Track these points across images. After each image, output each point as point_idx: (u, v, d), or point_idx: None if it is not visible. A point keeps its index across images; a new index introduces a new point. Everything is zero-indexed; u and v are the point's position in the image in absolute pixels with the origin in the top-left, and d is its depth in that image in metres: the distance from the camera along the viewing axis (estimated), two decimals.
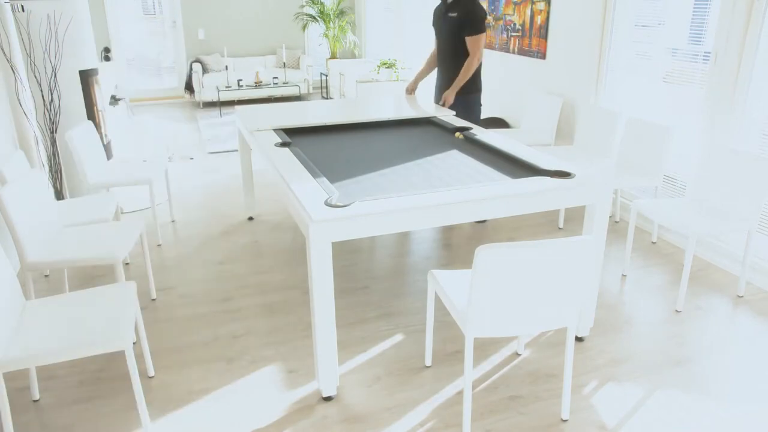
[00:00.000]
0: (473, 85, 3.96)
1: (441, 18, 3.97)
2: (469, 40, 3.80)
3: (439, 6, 4.05)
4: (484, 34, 3.80)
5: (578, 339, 2.74)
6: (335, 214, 2.11)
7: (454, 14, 3.82)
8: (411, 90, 4.38)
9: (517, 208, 2.37)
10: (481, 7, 3.80)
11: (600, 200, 2.46)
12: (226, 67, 8.51)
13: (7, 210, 2.43)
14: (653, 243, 3.82)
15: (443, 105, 3.95)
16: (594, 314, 2.73)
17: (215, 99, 8.31)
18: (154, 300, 3.15)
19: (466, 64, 3.83)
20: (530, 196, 2.35)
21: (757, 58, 3.19)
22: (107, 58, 7.92)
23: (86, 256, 2.60)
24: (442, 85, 4.09)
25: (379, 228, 2.19)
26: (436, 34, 4.08)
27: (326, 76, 8.98)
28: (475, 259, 1.88)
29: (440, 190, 2.36)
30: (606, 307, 3.06)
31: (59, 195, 4.02)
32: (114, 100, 6.17)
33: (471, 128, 3.43)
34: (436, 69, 4.23)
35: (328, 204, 2.19)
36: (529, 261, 1.91)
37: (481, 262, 1.88)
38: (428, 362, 2.59)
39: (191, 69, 8.41)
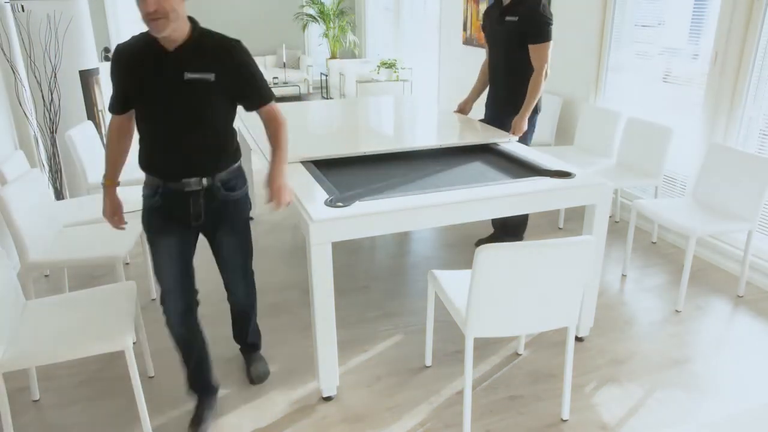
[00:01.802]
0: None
1: (495, 22, 3.32)
2: (533, 49, 3.17)
3: (491, 7, 3.39)
4: (550, 42, 3.17)
5: (578, 339, 2.74)
6: (335, 214, 2.11)
7: (514, 18, 3.19)
8: (463, 110, 3.66)
9: (517, 208, 2.37)
10: (547, 9, 3.19)
11: (600, 200, 2.46)
12: None
13: (8, 210, 2.43)
14: (653, 243, 3.82)
15: (513, 133, 3.24)
16: (594, 314, 2.72)
17: None
18: (154, 300, 3.15)
19: (532, 81, 3.20)
20: (530, 196, 2.35)
21: (756, 58, 3.19)
22: (107, 58, 7.91)
23: (86, 256, 2.60)
24: (494, 104, 3.48)
25: (379, 228, 2.18)
26: (488, 41, 3.44)
27: (326, 76, 8.99)
28: (475, 259, 1.88)
29: (441, 190, 2.36)
30: (606, 307, 3.06)
31: (59, 195, 4.02)
32: None
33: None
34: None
35: (328, 204, 2.19)
36: (529, 261, 1.91)
37: (481, 262, 1.88)
38: (428, 362, 2.59)
39: None
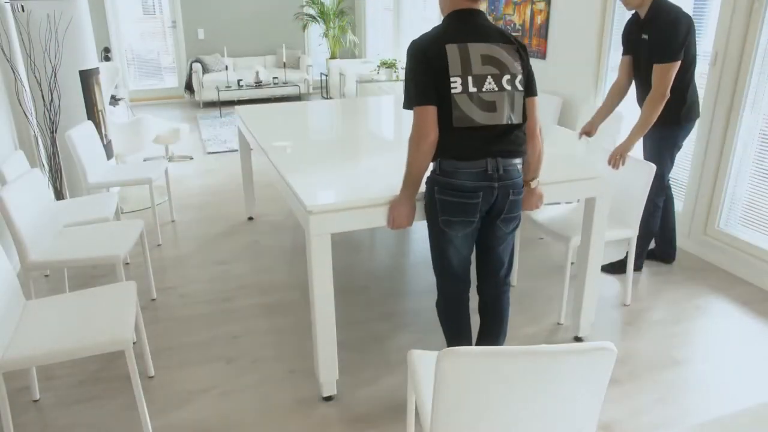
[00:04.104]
0: (672, 113, 2.98)
1: (635, 41, 3.03)
2: (655, 69, 2.85)
3: (632, 23, 3.07)
4: (675, 63, 2.80)
5: (578, 339, 2.75)
6: (334, 205, 2.10)
7: (646, 36, 2.91)
8: (589, 132, 3.34)
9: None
10: (681, 25, 2.79)
11: (599, 193, 2.46)
12: (226, 67, 8.52)
13: (8, 210, 2.43)
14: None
15: (613, 166, 2.97)
16: (594, 313, 2.72)
17: (215, 99, 8.32)
18: (154, 300, 3.15)
19: (645, 103, 2.90)
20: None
21: (756, 59, 3.19)
22: (107, 58, 7.91)
23: (86, 256, 2.60)
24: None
25: (378, 219, 2.17)
26: (633, 60, 3.11)
27: (326, 76, 8.99)
28: (437, 369, 1.30)
29: None
30: (606, 307, 3.06)
31: (59, 195, 4.02)
32: (114, 100, 6.17)
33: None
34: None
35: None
36: (514, 376, 1.30)
37: (445, 374, 1.29)
38: None
39: (191, 69, 8.41)
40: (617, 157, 2.96)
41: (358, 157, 2.85)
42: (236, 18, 8.99)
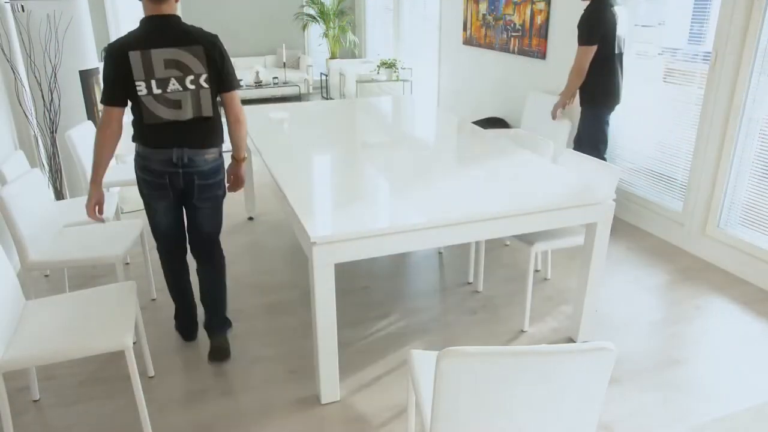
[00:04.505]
0: (587, 95, 3.72)
1: None
2: (577, 50, 3.61)
3: None
4: (588, 47, 3.49)
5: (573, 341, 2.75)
6: (339, 235, 2.08)
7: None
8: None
9: (518, 228, 2.35)
10: (594, 15, 3.44)
11: (601, 218, 2.46)
12: None
13: (8, 210, 2.43)
14: (653, 243, 3.82)
15: (553, 118, 3.99)
16: (592, 323, 2.72)
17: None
18: (154, 300, 3.15)
19: (569, 73, 3.69)
20: (531, 216, 2.33)
21: (756, 59, 3.19)
22: None
23: (86, 256, 2.60)
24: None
25: (383, 249, 2.16)
26: None
27: (326, 76, 8.99)
28: (437, 369, 1.32)
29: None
30: (605, 307, 3.06)
31: (59, 195, 4.02)
32: None
33: None
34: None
35: None
36: (510, 375, 1.32)
37: (445, 374, 1.31)
38: None
39: None
40: (556, 111, 3.96)
41: (361, 169, 2.84)
42: (236, 18, 8.99)
